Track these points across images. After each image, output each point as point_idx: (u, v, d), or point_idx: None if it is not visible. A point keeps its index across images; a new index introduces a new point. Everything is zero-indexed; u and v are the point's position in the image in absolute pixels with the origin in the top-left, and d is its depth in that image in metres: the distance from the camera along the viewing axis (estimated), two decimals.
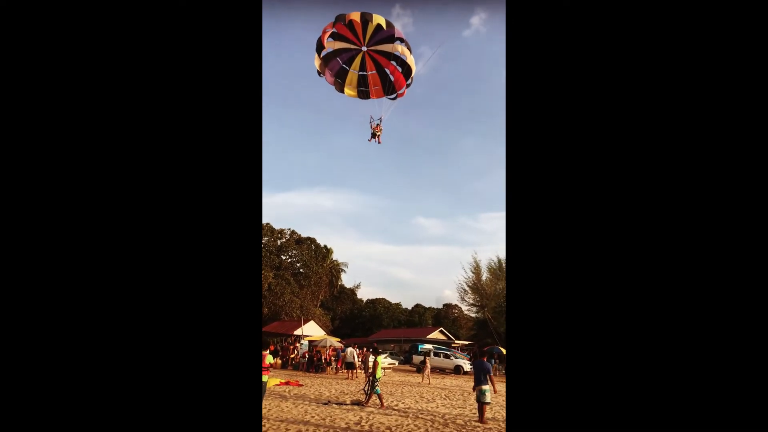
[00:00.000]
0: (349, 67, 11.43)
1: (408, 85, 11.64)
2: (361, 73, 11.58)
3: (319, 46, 10.67)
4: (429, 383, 16.72)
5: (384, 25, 10.10)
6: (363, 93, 11.74)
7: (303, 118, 79.63)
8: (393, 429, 6.91)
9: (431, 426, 7.38)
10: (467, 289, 40.15)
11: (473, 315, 42.72)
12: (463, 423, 7.87)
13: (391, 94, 11.85)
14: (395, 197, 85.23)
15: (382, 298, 54.03)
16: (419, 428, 7.10)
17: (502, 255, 63.70)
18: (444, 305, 53.76)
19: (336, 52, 11.03)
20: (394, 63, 11.20)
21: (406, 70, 11.15)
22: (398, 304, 54.36)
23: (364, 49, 11.07)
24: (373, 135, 12.36)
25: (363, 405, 9.36)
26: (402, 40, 10.60)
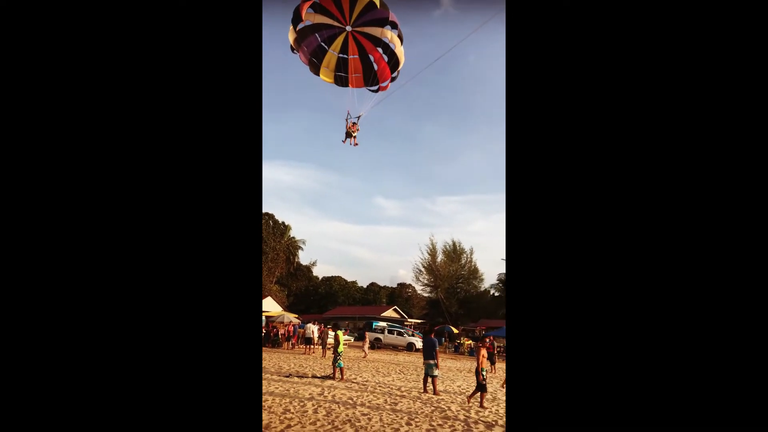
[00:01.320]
0: (329, 47, 9.79)
1: (393, 79, 10.25)
2: (341, 55, 9.95)
3: (296, 18, 9.01)
4: (366, 356, 17.88)
5: (377, 4, 8.83)
6: (341, 79, 10.26)
7: (263, 89, 76.84)
8: (354, 399, 7.43)
9: (389, 397, 7.97)
10: (422, 269, 41.48)
11: (426, 295, 44.29)
12: (417, 395, 8.52)
13: (373, 85, 10.37)
14: (355, 176, 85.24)
15: (338, 276, 54.63)
16: (378, 399, 7.66)
17: (458, 238, 65.56)
18: (398, 284, 55.19)
19: (315, 27, 9.43)
20: (380, 50, 9.72)
21: (394, 62, 9.81)
22: (354, 282, 55.17)
23: (349, 28, 9.49)
24: (348, 135, 10.67)
25: (336, 379, 9.86)
26: (395, 26, 9.31)
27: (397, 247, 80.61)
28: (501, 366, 16.73)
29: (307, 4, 8.71)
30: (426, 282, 41.80)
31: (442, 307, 38.74)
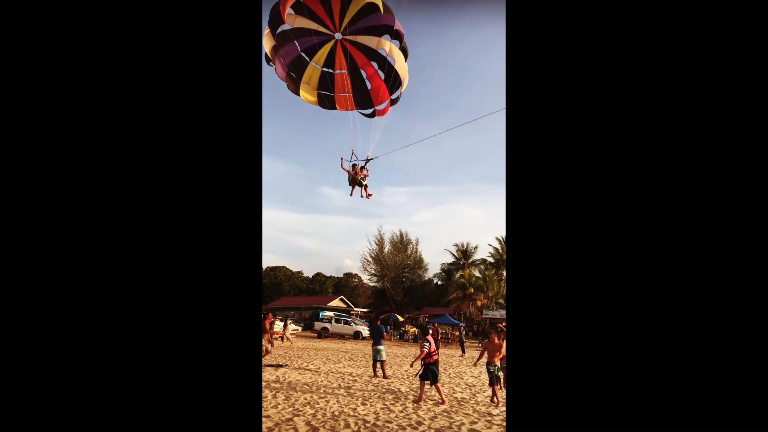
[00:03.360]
0: (311, 59, 7.67)
1: (394, 102, 8.18)
2: (326, 69, 7.81)
3: (275, 19, 6.86)
4: (291, 344, 18.22)
5: (381, 7, 7.00)
6: (325, 99, 8.01)
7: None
8: (310, 384, 7.75)
9: (343, 382, 8.37)
10: (370, 259, 42.15)
11: (372, 284, 45.12)
12: (368, 379, 9.00)
13: (367, 108, 8.19)
14: (302, 165, 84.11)
15: (283, 266, 54.08)
16: (332, 383, 8.04)
17: (404, 228, 66.91)
18: (345, 274, 55.60)
19: (297, 32, 7.31)
20: (375, 65, 7.69)
21: (393, 80, 7.67)
22: (300, 272, 54.86)
23: (338, 36, 7.47)
24: (355, 183, 8.38)
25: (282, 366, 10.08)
26: (397, 36, 7.32)
27: (343, 237, 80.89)
28: (444, 351, 17.73)
29: (290, 1, 6.78)
30: (373, 272, 42.58)
31: (388, 296, 39.65)
